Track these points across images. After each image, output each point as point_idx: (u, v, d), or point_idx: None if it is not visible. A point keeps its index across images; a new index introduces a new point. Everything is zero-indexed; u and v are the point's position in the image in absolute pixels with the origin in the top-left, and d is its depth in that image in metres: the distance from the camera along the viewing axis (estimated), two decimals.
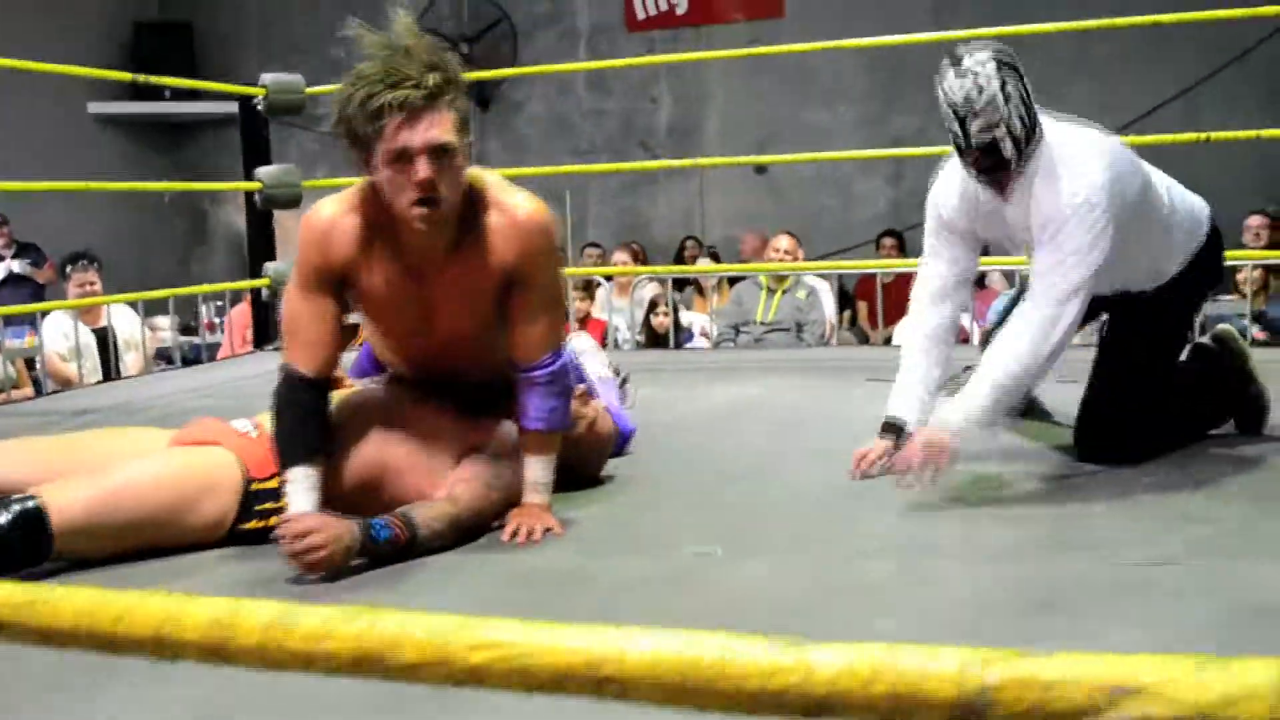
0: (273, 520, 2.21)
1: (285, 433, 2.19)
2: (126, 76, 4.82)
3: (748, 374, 4.43)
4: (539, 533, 2.23)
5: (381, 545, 2.06)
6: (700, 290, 7.44)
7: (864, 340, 7.26)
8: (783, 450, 2.98)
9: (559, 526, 2.26)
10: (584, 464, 2.63)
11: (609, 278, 7.29)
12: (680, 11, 9.17)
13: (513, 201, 2.24)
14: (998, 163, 2.34)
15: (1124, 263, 2.44)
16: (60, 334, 5.78)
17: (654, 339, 6.53)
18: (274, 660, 0.57)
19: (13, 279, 8.23)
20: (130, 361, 6.07)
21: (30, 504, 2.02)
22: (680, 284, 7.81)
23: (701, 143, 9.30)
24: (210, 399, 4.11)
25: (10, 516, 1.99)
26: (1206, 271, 2.70)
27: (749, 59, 8.38)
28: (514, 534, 2.22)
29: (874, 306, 6.27)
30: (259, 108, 5.24)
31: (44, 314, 5.86)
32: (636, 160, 9.09)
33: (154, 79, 4.86)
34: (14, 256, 8.36)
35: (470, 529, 2.22)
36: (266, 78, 5.18)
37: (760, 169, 9.09)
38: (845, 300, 7.65)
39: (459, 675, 0.53)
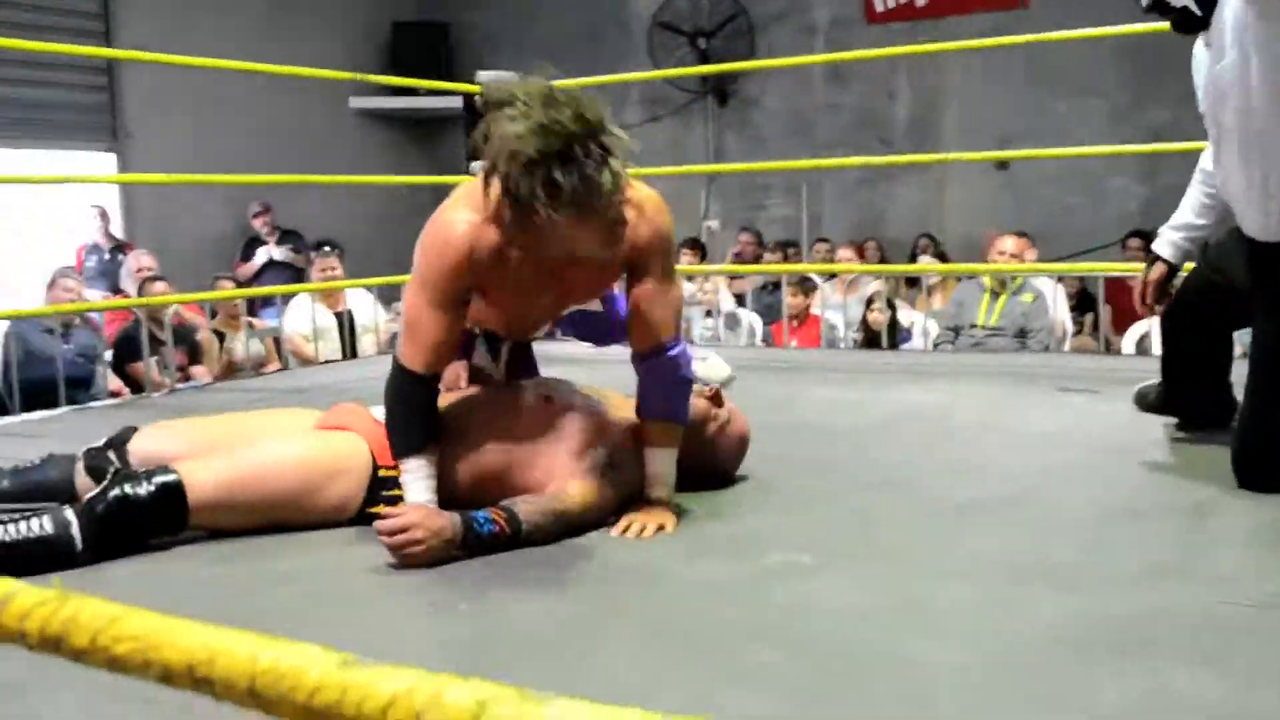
0: (401, 506, 2.33)
1: (401, 425, 2.28)
2: (346, 75, 5.10)
3: (940, 378, 4.30)
4: (651, 529, 2.25)
5: (484, 538, 2.12)
6: (928, 290, 7.26)
7: (1107, 348, 6.90)
8: (928, 461, 2.89)
9: (673, 524, 2.27)
10: (717, 465, 2.64)
11: (832, 275, 7.22)
12: (920, 3, 8.95)
13: (637, 193, 2.26)
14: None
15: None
16: (303, 316, 6.19)
17: (870, 338, 6.43)
18: None
19: (274, 264, 8.86)
20: (368, 344, 6.43)
21: (170, 477, 2.18)
22: (912, 282, 7.65)
23: (941, 138, 9.06)
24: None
25: (151, 488, 2.16)
26: None
27: (991, 51, 8.08)
28: (625, 530, 2.26)
29: (1121, 311, 5.95)
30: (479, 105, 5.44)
31: (289, 297, 6.31)
32: (874, 155, 8.94)
33: (371, 77, 5.14)
34: (277, 243, 8.99)
35: (579, 524, 2.26)
36: (483, 75, 5.38)
37: (1002, 165, 8.78)
38: (1089, 303, 7.28)
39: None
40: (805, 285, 6.82)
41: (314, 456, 2.34)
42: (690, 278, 7.59)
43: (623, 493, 2.35)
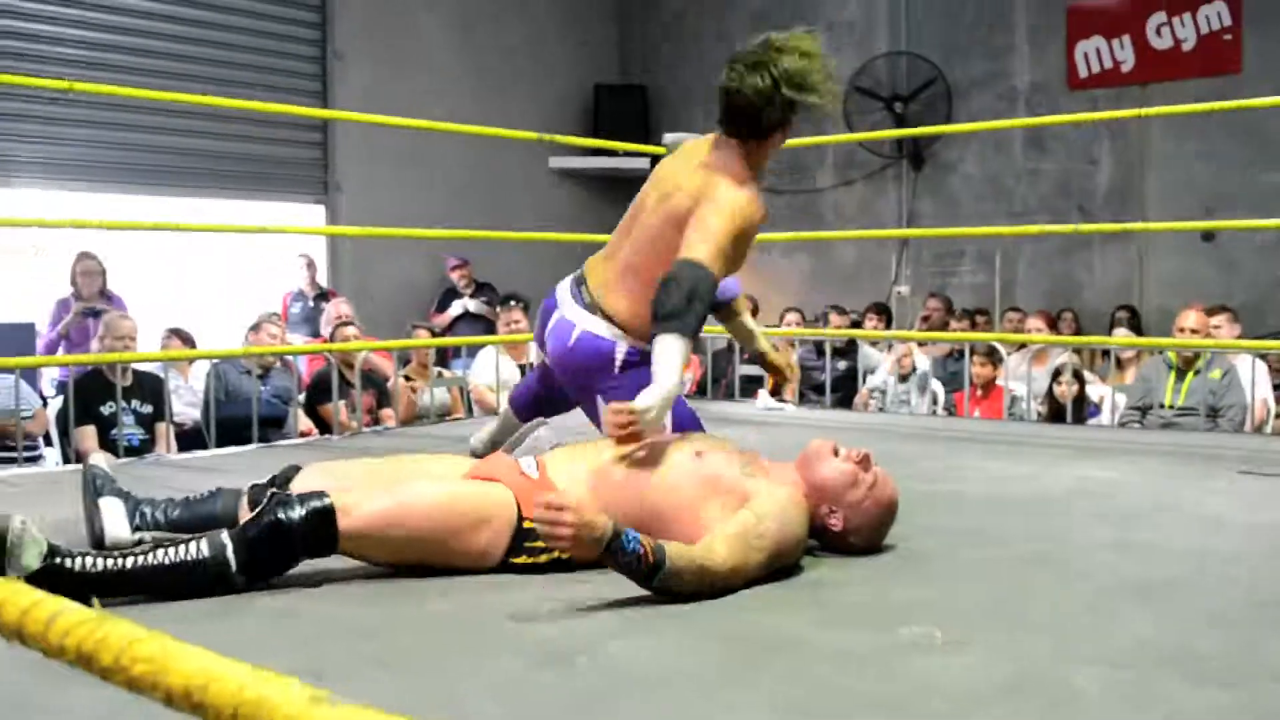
0: (542, 558, 2.37)
1: (696, 314, 2.75)
2: (534, 136, 5.26)
3: (1118, 455, 4.13)
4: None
5: (626, 556, 2.11)
6: (1119, 364, 6.98)
7: None
8: (1088, 539, 2.77)
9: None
10: (861, 531, 2.57)
11: (1021, 346, 7.02)
12: (1126, 69, 8.69)
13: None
14: None
15: None
16: (488, 366, 6.36)
17: (1055, 411, 6.22)
18: None
19: (468, 316, 9.15)
20: None
21: (323, 502, 2.27)
22: (1105, 354, 7.37)
23: (1143, 206, 8.74)
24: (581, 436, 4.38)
25: (305, 510, 2.25)
26: None
27: (1198, 117, 7.79)
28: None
29: None
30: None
31: (477, 348, 6.51)
32: (1073, 223, 8.68)
33: (559, 138, 5.29)
34: (472, 295, 9.28)
35: (721, 588, 2.24)
36: (668, 137, 5.47)
37: (1208, 235, 8.41)
38: None
39: None
40: (993, 355, 6.65)
41: (461, 501, 2.41)
42: (874, 343, 7.50)
43: (770, 563, 2.33)
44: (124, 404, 4.93)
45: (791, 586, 2.35)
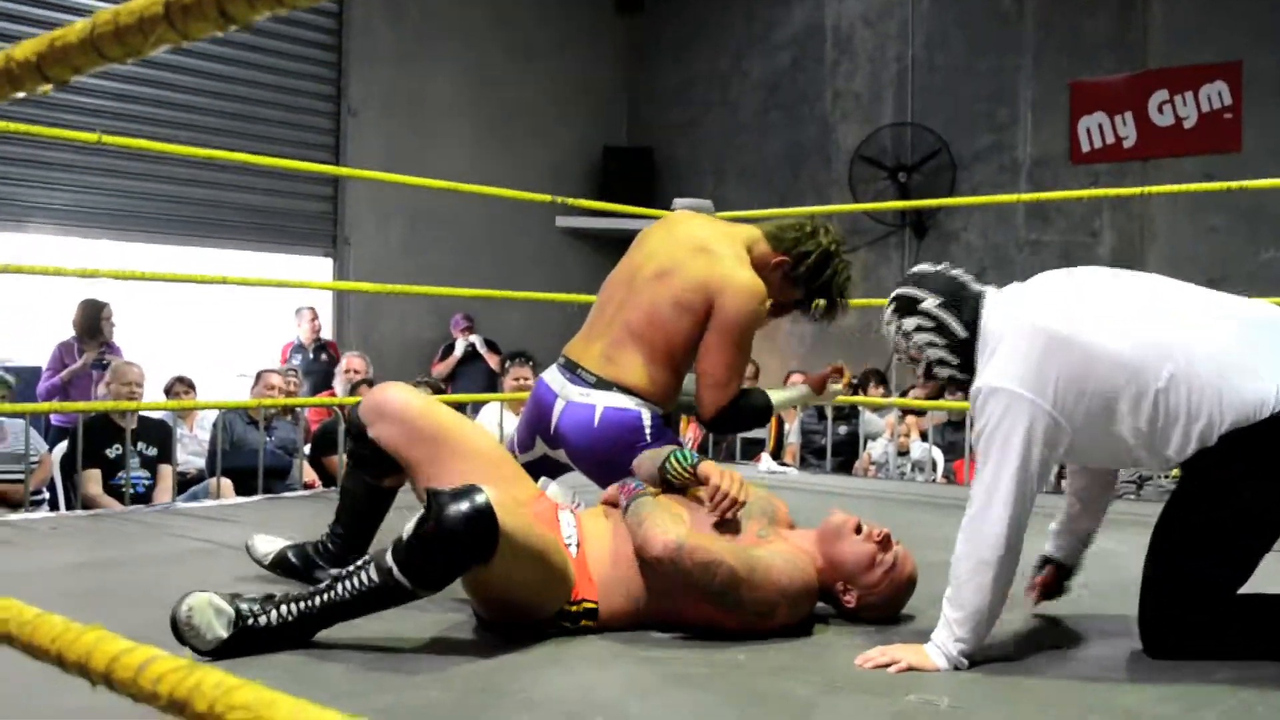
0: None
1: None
2: (545, 198, 5.34)
3: (1129, 527, 4.15)
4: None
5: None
6: None
7: None
8: (1094, 610, 2.81)
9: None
10: (883, 609, 2.59)
11: None
12: (1128, 144, 8.82)
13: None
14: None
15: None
16: (492, 421, 6.40)
17: (1061, 475, 6.25)
18: None
19: (469, 359, 9.21)
20: None
21: (479, 496, 2.12)
22: None
23: None
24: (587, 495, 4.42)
25: (462, 506, 2.10)
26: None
27: (1199, 194, 7.89)
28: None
29: None
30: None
31: (482, 404, 6.56)
32: None
33: (570, 200, 5.38)
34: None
35: (746, 597, 2.33)
36: (678, 202, 5.57)
37: None
38: None
39: None
40: None
41: (561, 556, 2.38)
42: (875, 409, 7.54)
43: (753, 587, 2.35)
44: (131, 447, 4.99)
45: (800, 653, 2.37)
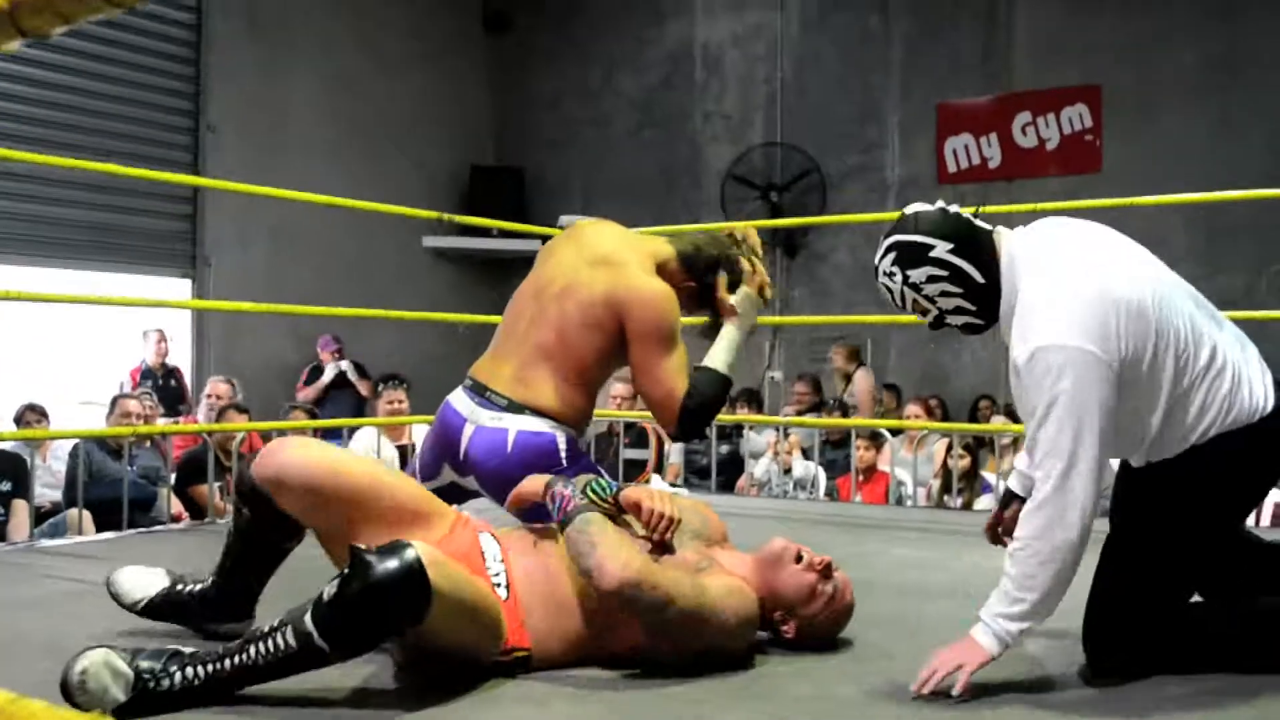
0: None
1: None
2: (433, 215, 5.17)
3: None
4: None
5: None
6: (994, 450, 7.12)
7: None
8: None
9: None
10: (823, 636, 2.50)
11: (896, 431, 7.11)
12: (993, 165, 9.02)
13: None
14: None
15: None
16: (368, 447, 6.17)
17: (947, 485, 6.29)
18: None
19: (342, 380, 8.92)
20: None
21: (408, 552, 1.95)
22: (979, 443, 7.51)
23: None
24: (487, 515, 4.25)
25: (388, 565, 1.93)
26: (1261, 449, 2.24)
27: (1062, 215, 8.09)
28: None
29: None
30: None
31: (354, 429, 6.31)
32: None
33: (457, 218, 5.21)
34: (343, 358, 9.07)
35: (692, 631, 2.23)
36: (564, 219, 5.45)
37: None
38: None
39: None
40: (875, 439, 6.71)
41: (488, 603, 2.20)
42: (751, 427, 7.51)
43: (692, 602, 2.24)
44: None
45: (745, 683, 2.26)
